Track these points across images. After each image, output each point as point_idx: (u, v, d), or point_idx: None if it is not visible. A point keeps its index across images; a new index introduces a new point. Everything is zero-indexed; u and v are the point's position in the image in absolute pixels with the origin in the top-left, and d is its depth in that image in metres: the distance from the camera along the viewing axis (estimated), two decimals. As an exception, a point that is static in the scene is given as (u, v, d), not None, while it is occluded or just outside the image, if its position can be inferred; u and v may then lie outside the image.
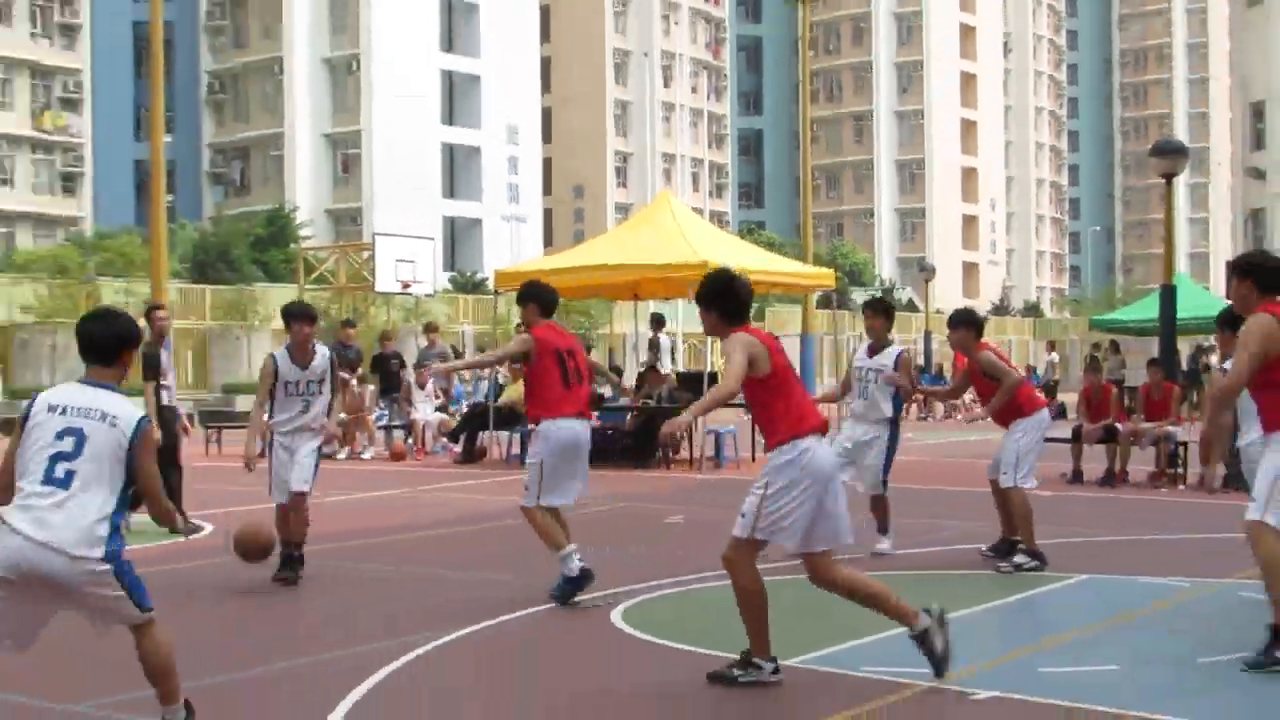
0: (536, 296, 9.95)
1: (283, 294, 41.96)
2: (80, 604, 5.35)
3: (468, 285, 59.56)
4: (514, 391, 24.30)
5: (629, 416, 23.35)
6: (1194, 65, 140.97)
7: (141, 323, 10.05)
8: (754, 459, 23.36)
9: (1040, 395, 13.09)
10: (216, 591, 10.45)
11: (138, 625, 5.35)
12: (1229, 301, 8.73)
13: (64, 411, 5.24)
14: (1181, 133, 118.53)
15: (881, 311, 12.80)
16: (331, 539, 13.65)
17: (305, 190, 73.40)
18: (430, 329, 30.76)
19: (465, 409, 25.59)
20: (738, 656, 7.24)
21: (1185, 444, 18.87)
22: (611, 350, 41.57)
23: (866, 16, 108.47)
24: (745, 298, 7.54)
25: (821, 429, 7.32)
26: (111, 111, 75.10)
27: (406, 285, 35.11)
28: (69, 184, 72.37)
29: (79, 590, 5.22)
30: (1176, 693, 7.17)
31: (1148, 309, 37.48)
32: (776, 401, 7.23)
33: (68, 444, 5.15)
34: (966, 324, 12.28)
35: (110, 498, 5.22)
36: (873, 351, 12.31)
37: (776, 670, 7.19)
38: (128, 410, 5.37)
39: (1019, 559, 11.29)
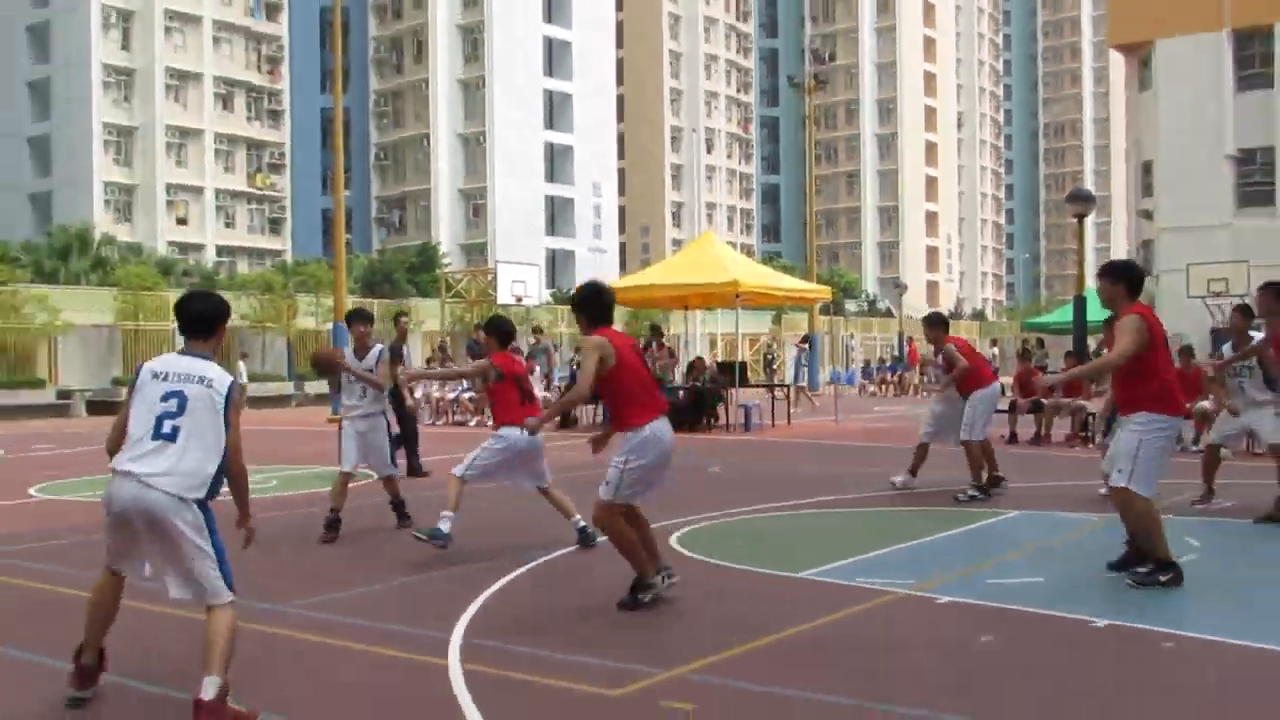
0: (497, 329, 9.23)
1: (430, 306, 42.19)
2: (173, 551, 4.78)
3: (563, 299, 59.50)
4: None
5: (681, 393, 23.33)
6: (1099, 134, 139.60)
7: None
8: (774, 424, 23.33)
9: (993, 373, 12.99)
10: (362, 526, 10.41)
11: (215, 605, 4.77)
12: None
13: (166, 378, 4.84)
14: (1090, 184, 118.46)
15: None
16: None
17: (446, 230, 73.79)
18: (537, 330, 30.86)
19: (562, 389, 25.60)
20: (631, 586, 6.77)
21: (1094, 414, 18.64)
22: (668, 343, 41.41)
23: (856, 101, 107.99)
24: (608, 303, 7.04)
25: (664, 411, 6.97)
26: (305, 173, 75.73)
27: (519, 299, 35.14)
28: (274, 226, 72.96)
29: (174, 531, 4.72)
30: (1087, 597, 7.07)
31: (1065, 314, 37.25)
32: (621, 391, 6.71)
33: (172, 404, 4.77)
34: (933, 324, 12.44)
35: (213, 453, 4.81)
36: (935, 354, 12.71)
37: (665, 578, 6.82)
38: (221, 375, 4.95)
39: (971, 492, 11.52)
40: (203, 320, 5.11)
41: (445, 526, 8.36)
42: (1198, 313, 36.54)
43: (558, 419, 16.14)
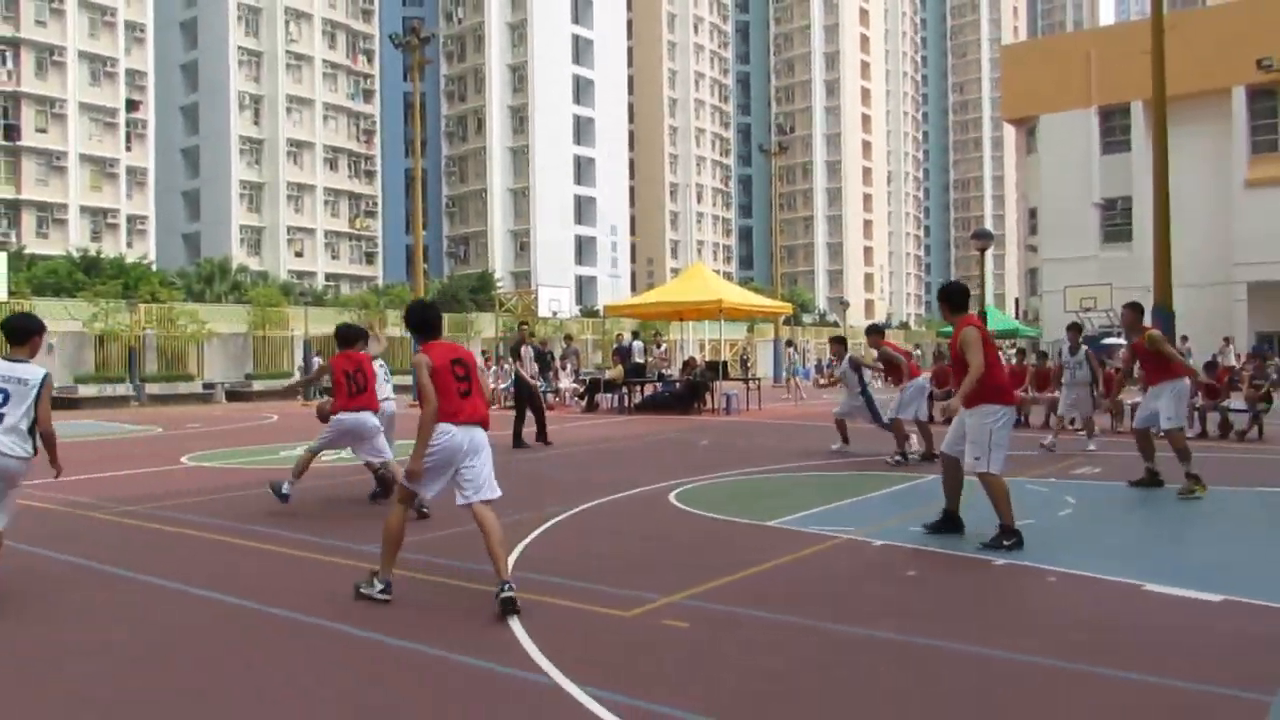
0: (338, 335, 8.86)
1: (486, 318, 42.17)
2: (11, 492, 5.46)
3: (589, 313, 59.43)
4: (616, 373, 24.31)
5: (677, 385, 23.26)
6: (996, 186, 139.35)
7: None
8: (748, 409, 23.27)
9: (919, 370, 12.90)
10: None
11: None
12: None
13: None
14: (989, 224, 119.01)
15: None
16: (514, 454, 13.62)
17: (499, 261, 73.73)
18: (568, 337, 30.80)
19: (587, 381, 25.54)
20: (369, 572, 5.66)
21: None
22: (665, 346, 41.36)
23: (810, 162, 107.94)
24: (433, 319, 5.75)
25: (472, 420, 5.46)
26: (393, 217, 75.77)
27: (555, 313, 35.15)
28: (369, 258, 73.01)
29: (16, 478, 5.42)
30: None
31: (970, 325, 37.13)
32: (436, 395, 5.31)
33: None
34: (870, 331, 12.45)
35: (28, 427, 5.33)
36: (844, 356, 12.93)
37: (385, 590, 5.47)
38: (36, 372, 5.38)
39: (896, 457, 11.68)
40: (18, 332, 5.54)
41: (285, 489, 8.47)
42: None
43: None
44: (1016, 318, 48.24)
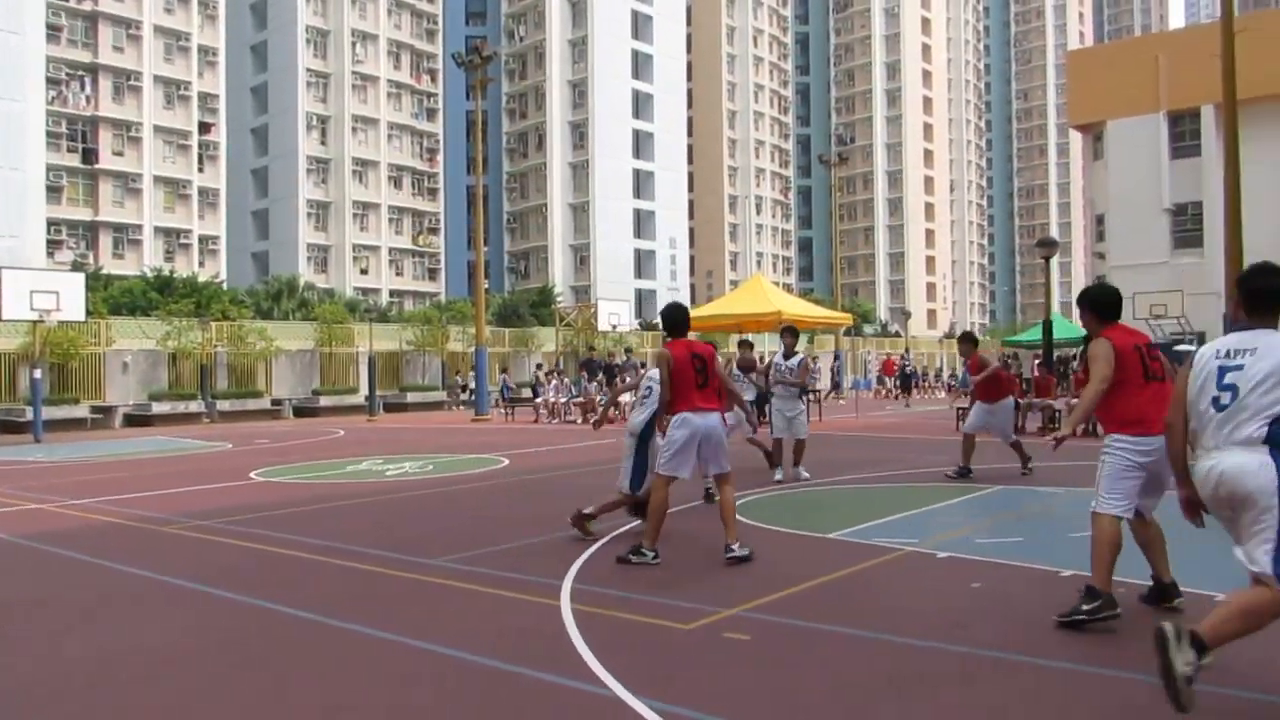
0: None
1: (547, 332, 42.44)
2: None
3: (648, 326, 59.46)
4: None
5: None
6: (1061, 195, 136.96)
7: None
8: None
9: (1013, 377, 12.93)
10: (489, 499, 10.39)
11: None
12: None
13: None
14: (1054, 233, 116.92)
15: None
16: (567, 467, 13.64)
17: (559, 276, 74.13)
18: (628, 350, 30.88)
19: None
20: None
21: (1059, 410, 18.14)
22: (728, 361, 41.21)
23: (871, 172, 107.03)
24: (683, 319, 7.17)
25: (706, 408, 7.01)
26: (455, 234, 76.58)
27: (615, 326, 35.24)
28: (432, 274, 73.89)
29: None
30: (1054, 553, 6.82)
31: (1035, 334, 36.56)
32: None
33: None
34: (965, 340, 12.30)
35: None
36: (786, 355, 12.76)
37: (656, 556, 6.81)
38: None
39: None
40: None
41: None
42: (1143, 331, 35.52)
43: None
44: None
